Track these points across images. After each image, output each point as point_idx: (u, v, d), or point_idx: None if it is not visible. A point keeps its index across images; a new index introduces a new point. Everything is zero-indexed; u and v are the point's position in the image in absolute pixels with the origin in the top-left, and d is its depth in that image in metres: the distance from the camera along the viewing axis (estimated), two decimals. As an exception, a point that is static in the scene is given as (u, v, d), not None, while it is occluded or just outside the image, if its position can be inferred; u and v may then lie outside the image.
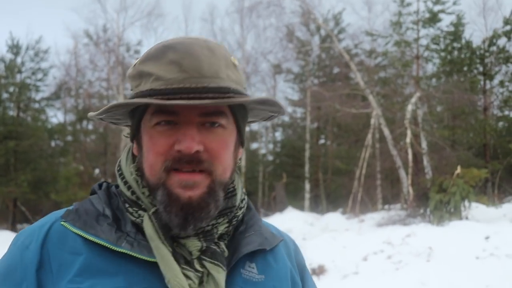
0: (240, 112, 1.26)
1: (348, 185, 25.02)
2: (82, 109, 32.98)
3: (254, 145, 37.16)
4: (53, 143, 33.29)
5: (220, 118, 1.19)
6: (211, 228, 1.23)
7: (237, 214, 1.30)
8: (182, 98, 1.12)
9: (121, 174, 1.28)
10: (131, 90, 1.24)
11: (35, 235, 1.19)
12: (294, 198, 28.33)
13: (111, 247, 1.15)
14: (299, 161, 32.29)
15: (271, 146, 37.53)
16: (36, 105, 31.16)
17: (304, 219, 17.31)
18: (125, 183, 1.25)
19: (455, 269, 8.36)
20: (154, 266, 1.13)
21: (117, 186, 1.31)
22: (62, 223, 1.20)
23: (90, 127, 34.28)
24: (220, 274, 1.18)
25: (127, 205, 1.23)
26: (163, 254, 1.14)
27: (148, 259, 1.14)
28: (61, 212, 1.25)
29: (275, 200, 27.38)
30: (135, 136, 1.26)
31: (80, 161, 30.92)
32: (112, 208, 1.24)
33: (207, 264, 1.18)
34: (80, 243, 1.16)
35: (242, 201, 1.33)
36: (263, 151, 37.09)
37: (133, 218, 1.21)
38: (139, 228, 1.19)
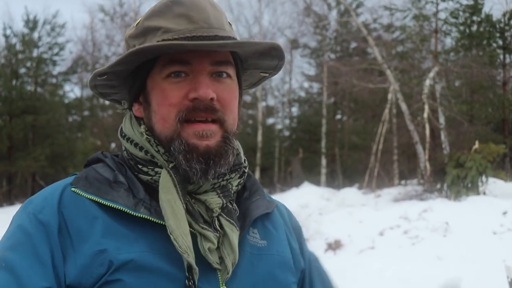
0: (241, 65, 1.29)
1: (364, 160, 24.95)
2: (99, 84, 32.97)
3: (270, 120, 37.13)
4: (70, 118, 33.47)
5: (229, 67, 1.22)
6: (226, 183, 1.24)
7: (244, 170, 1.32)
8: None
9: (128, 139, 1.26)
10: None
11: (48, 201, 1.17)
12: (310, 173, 28.30)
13: (130, 212, 1.14)
14: (315, 136, 32.19)
15: (287, 121, 37.42)
16: (54, 80, 31.26)
17: (320, 194, 17.30)
18: (136, 145, 1.24)
19: (472, 244, 8.34)
20: None
21: (117, 156, 1.31)
22: (73, 189, 1.19)
23: (107, 102, 34.37)
24: (234, 234, 1.18)
25: (140, 166, 1.22)
26: (176, 210, 1.13)
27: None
28: (68, 179, 1.24)
29: (291, 175, 27.41)
30: (139, 97, 1.26)
31: (97, 136, 31.16)
32: (123, 176, 1.23)
33: (224, 221, 1.19)
34: (95, 208, 1.15)
35: (244, 160, 1.35)
36: (279, 126, 37.03)
37: (148, 178, 1.20)
38: (152, 195, 1.18)
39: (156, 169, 1.20)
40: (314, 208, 14.10)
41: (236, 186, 1.28)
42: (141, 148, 1.23)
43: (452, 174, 12.82)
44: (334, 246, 9.69)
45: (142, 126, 1.24)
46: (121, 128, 1.31)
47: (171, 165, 1.19)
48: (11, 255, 1.11)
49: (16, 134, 26.77)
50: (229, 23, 1.26)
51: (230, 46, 1.19)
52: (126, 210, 1.14)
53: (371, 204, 14.20)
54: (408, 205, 11.66)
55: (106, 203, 1.15)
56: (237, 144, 1.30)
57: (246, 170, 1.33)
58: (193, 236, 1.15)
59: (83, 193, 1.17)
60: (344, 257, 8.99)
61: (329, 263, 8.84)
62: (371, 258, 8.64)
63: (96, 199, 1.16)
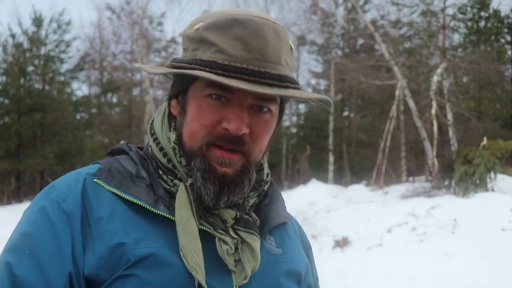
0: (286, 100, 1.29)
1: (372, 157, 24.90)
2: (106, 81, 33.13)
3: (277, 117, 37.01)
4: (78, 116, 33.55)
5: (272, 104, 1.20)
6: (242, 201, 1.25)
7: (264, 188, 1.33)
8: (243, 79, 1.11)
9: (155, 139, 1.27)
10: (184, 49, 1.23)
11: (72, 189, 1.17)
12: (317, 170, 28.29)
13: (150, 208, 1.15)
14: (322, 133, 32.16)
15: (294, 118, 37.42)
16: (61, 78, 31.36)
17: (328, 191, 17.30)
18: (161, 149, 1.24)
19: (480, 241, 8.31)
20: None
21: (140, 148, 1.31)
22: (96, 180, 1.19)
23: (115, 100, 34.51)
24: (255, 242, 1.20)
25: (161, 172, 1.22)
26: (188, 227, 1.13)
27: None
28: (90, 168, 1.24)
29: (298, 172, 27.37)
30: (179, 96, 1.25)
31: (105, 134, 31.26)
32: (145, 171, 1.23)
33: (242, 234, 1.20)
34: (116, 201, 1.16)
35: (267, 175, 1.35)
36: (286, 123, 36.97)
37: (167, 186, 1.21)
38: (172, 195, 1.19)
39: (175, 181, 1.21)
40: (321, 205, 14.08)
41: (253, 202, 1.29)
42: (165, 155, 1.23)
43: (460, 171, 12.77)
44: (342, 243, 9.68)
45: (172, 134, 1.24)
46: (152, 122, 1.31)
47: (190, 180, 1.19)
48: (35, 241, 1.11)
49: (25, 132, 26.87)
50: (290, 47, 1.24)
51: (268, 94, 1.15)
52: (146, 206, 1.15)
53: (378, 201, 14.17)
54: (416, 202, 11.63)
55: (127, 197, 1.16)
56: (263, 159, 1.32)
57: (266, 187, 1.34)
58: (211, 238, 1.17)
59: (105, 185, 1.18)
60: (351, 254, 8.98)
61: (337, 260, 8.85)
62: (379, 255, 8.63)
63: (118, 192, 1.17)
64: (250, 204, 1.27)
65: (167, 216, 1.15)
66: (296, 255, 1.35)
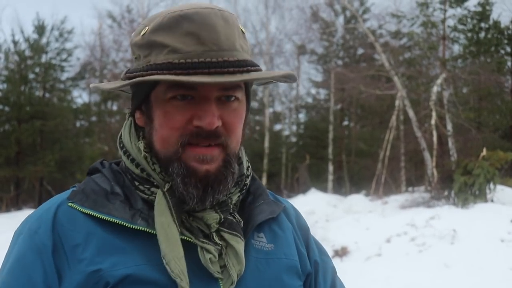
0: (251, 84, 1.26)
1: (371, 167, 24.91)
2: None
3: (277, 126, 37.07)
4: (78, 124, 33.55)
5: (237, 91, 1.18)
6: (225, 199, 1.22)
7: (246, 182, 1.30)
8: (203, 73, 1.09)
9: (125, 152, 1.24)
10: (136, 58, 1.20)
11: (43, 219, 1.16)
12: (317, 179, 28.27)
13: (127, 224, 1.13)
14: (322, 142, 32.15)
15: (294, 127, 37.41)
16: (62, 86, 31.38)
17: (327, 200, 17.29)
18: (132, 160, 1.22)
19: (479, 252, 8.30)
20: None
21: (117, 164, 1.29)
22: (70, 204, 1.17)
23: (115, 107, 34.49)
24: (239, 244, 1.17)
25: (137, 183, 1.20)
26: (170, 234, 1.12)
27: None
28: (65, 194, 1.22)
29: (298, 181, 27.38)
30: (141, 106, 1.22)
31: (105, 142, 31.20)
32: (121, 186, 1.21)
33: (226, 235, 1.17)
34: (91, 223, 1.14)
35: (247, 169, 1.32)
36: (286, 132, 37.01)
37: (145, 196, 1.19)
38: (150, 206, 1.17)
39: (152, 189, 1.19)
40: (321, 215, 14.08)
41: (236, 198, 1.26)
42: (137, 165, 1.21)
43: (460, 181, 12.77)
44: (341, 253, 9.67)
45: (140, 143, 1.21)
46: (120, 136, 1.29)
47: (167, 185, 1.17)
48: (7, 278, 1.13)
49: (25, 139, 26.84)
50: (242, 31, 1.21)
51: (233, 82, 1.13)
52: (122, 223, 1.13)
53: (378, 211, 14.16)
54: (415, 212, 11.62)
55: (102, 216, 1.14)
56: (241, 152, 1.29)
57: (248, 181, 1.31)
58: (193, 247, 1.15)
59: (79, 207, 1.16)
60: (350, 264, 8.97)
61: (336, 270, 8.82)
62: (378, 265, 8.62)
63: (92, 213, 1.15)
64: (233, 202, 1.24)
65: (145, 230, 1.13)
66: (288, 247, 1.31)
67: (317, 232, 11.37)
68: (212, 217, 1.18)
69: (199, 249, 1.15)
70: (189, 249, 1.13)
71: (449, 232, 9.32)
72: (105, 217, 1.14)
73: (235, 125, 1.18)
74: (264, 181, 27.15)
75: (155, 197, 1.17)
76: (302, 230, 1.43)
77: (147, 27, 1.18)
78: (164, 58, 1.13)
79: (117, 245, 1.12)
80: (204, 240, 1.15)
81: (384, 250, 9.29)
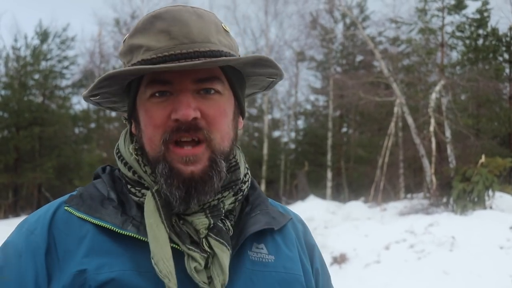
0: (236, 77, 1.23)
1: (370, 174, 24.90)
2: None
3: (276, 133, 37.12)
4: (77, 130, 33.57)
5: (215, 83, 1.16)
6: (217, 202, 1.20)
7: (242, 188, 1.27)
8: (173, 64, 1.10)
9: (120, 157, 1.26)
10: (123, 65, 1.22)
11: (40, 221, 1.18)
12: (316, 186, 28.27)
13: (116, 230, 1.13)
14: (321, 149, 32.18)
15: (293, 134, 37.42)
16: (61, 92, 31.42)
17: (326, 207, 17.27)
18: (125, 164, 1.23)
19: (478, 258, 8.30)
20: None
21: (119, 170, 1.29)
22: (66, 208, 1.19)
23: (113, 114, 34.50)
24: (224, 254, 1.15)
25: (129, 186, 1.21)
26: (158, 234, 1.11)
27: None
28: (65, 197, 1.24)
29: (296, 188, 27.36)
30: (132, 113, 1.23)
31: (103, 148, 31.18)
32: (117, 192, 1.23)
33: (212, 241, 1.15)
34: (85, 227, 1.15)
35: (245, 175, 1.30)
36: (285, 139, 37.05)
37: (136, 198, 1.19)
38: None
39: (143, 191, 1.19)
40: (319, 222, 14.06)
41: (231, 204, 1.23)
42: (129, 168, 1.22)
43: (458, 188, 12.76)
44: (340, 259, 9.65)
45: (131, 146, 1.23)
46: (117, 145, 1.31)
47: (156, 187, 1.17)
48: (1, 277, 1.14)
49: (23, 146, 26.85)
50: (224, 29, 1.21)
51: (193, 66, 1.10)
52: (112, 228, 1.13)
53: (376, 218, 14.16)
54: (414, 219, 11.61)
55: (94, 221, 1.15)
56: (238, 157, 1.28)
57: (244, 187, 1.29)
58: (181, 255, 1.13)
59: (74, 212, 1.17)
60: (349, 271, 8.95)
61: (335, 277, 8.80)
62: (377, 272, 8.60)
63: (86, 217, 1.16)
64: (226, 207, 1.21)
65: (135, 236, 1.13)
66: (291, 261, 1.27)
67: (315, 239, 11.31)
68: (201, 222, 1.16)
69: (185, 257, 1.13)
70: (177, 257, 1.11)
71: (448, 239, 9.31)
72: (96, 222, 1.14)
73: (216, 119, 1.16)
74: (262, 187, 27.11)
75: (145, 199, 1.17)
76: (308, 246, 1.41)
77: (127, 35, 1.21)
78: (140, 58, 1.15)
79: (106, 249, 1.12)
80: (191, 247, 1.13)
81: (383, 257, 9.28)
